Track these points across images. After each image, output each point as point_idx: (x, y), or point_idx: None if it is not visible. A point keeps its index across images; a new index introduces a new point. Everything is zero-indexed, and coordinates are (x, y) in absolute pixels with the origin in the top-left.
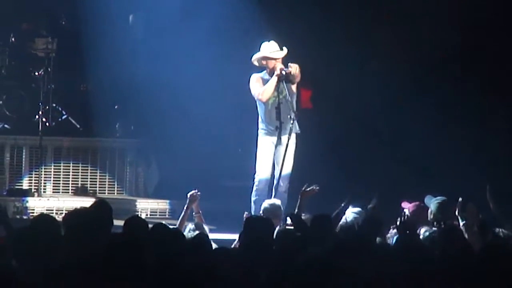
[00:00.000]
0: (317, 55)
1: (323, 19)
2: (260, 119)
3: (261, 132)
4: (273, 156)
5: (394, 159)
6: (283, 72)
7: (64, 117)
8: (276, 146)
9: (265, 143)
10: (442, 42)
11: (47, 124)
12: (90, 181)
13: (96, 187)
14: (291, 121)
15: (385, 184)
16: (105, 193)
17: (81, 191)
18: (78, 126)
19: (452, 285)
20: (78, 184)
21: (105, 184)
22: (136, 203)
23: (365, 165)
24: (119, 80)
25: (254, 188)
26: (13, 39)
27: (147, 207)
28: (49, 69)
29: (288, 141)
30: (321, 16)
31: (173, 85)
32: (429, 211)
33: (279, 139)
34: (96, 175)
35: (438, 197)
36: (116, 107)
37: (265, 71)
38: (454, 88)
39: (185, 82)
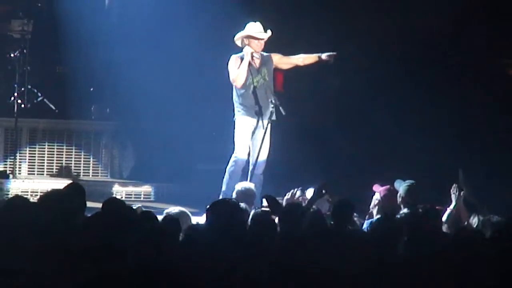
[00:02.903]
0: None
1: (299, 3)
2: (237, 100)
3: (239, 112)
4: (251, 139)
5: (367, 143)
6: (255, 55)
7: (39, 99)
8: (254, 130)
9: (245, 124)
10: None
11: (23, 106)
12: (65, 163)
13: (71, 169)
14: (272, 106)
15: (357, 168)
16: (80, 175)
17: (65, 173)
18: (54, 108)
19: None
20: (53, 166)
21: (80, 166)
22: (112, 186)
23: (338, 150)
24: (95, 63)
25: (230, 167)
26: None
27: (123, 189)
28: (24, 51)
29: (267, 125)
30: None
31: (149, 69)
32: (398, 194)
33: (258, 122)
34: (71, 157)
35: (407, 181)
36: (91, 89)
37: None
38: (432, 74)
39: (160, 65)
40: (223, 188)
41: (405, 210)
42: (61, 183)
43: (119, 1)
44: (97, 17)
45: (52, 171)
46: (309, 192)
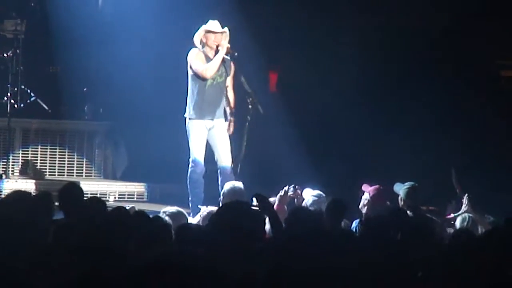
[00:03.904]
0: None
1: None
2: (190, 99)
3: (192, 115)
4: (206, 140)
5: (359, 143)
6: (234, 53)
7: (32, 99)
8: (209, 130)
9: (198, 127)
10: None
11: (16, 106)
12: (59, 163)
13: (64, 169)
14: (248, 103)
15: (348, 167)
16: (73, 175)
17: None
18: (47, 108)
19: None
20: (46, 166)
21: (73, 167)
22: (105, 186)
23: (330, 149)
24: (88, 63)
25: (191, 175)
26: None
27: (116, 189)
28: (17, 51)
29: (220, 124)
30: None
31: (142, 68)
32: (399, 198)
33: (212, 122)
34: (65, 158)
35: (407, 183)
36: (85, 89)
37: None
38: (426, 74)
39: (154, 65)
40: (190, 197)
41: (408, 213)
42: (55, 184)
43: (112, 1)
44: (90, 17)
45: (45, 172)
46: (306, 192)
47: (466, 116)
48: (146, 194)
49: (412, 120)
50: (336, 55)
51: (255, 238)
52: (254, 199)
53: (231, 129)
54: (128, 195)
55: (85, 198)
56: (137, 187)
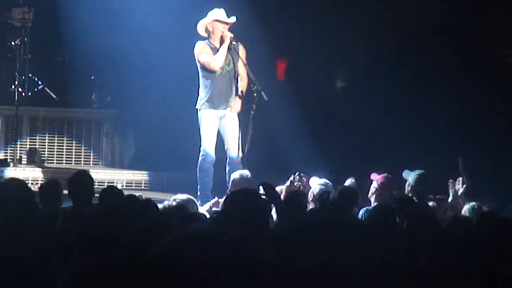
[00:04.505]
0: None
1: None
2: (202, 91)
3: (203, 105)
4: (218, 130)
5: (367, 132)
6: (234, 42)
7: (40, 87)
8: (221, 119)
9: (210, 117)
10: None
11: (23, 94)
12: (66, 151)
13: (71, 157)
14: (253, 91)
15: (357, 157)
16: (80, 163)
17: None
18: (55, 96)
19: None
20: (53, 154)
21: (81, 155)
22: (112, 174)
23: (338, 138)
24: (96, 51)
25: (200, 164)
26: None
27: (123, 178)
28: (25, 39)
29: (231, 114)
30: None
31: (150, 57)
32: (407, 183)
33: (224, 111)
34: (72, 146)
35: (417, 170)
36: (92, 77)
37: (208, 39)
38: (432, 63)
39: (162, 53)
40: (199, 185)
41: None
42: (65, 172)
43: None
44: (98, 4)
45: (53, 160)
46: (313, 181)
47: (476, 108)
48: (153, 182)
49: (422, 110)
50: (345, 44)
51: (262, 226)
52: (261, 187)
53: (238, 107)
54: (136, 183)
55: (102, 188)
56: (144, 176)
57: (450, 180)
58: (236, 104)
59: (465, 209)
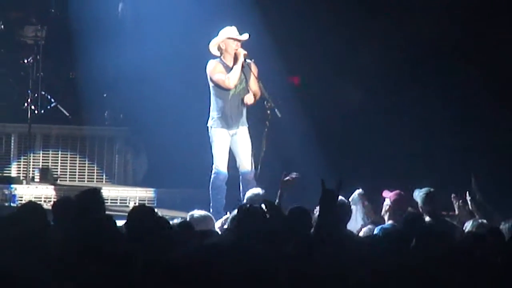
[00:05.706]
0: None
1: (313, 5)
2: (214, 109)
3: (214, 123)
4: (229, 147)
5: (381, 146)
6: (247, 60)
7: (53, 104)
8: (232, 137)
9: (221, 135)
10: (437, 33)
11: (36, 111)
12: (79, 169)
13: (84, 174)
14: (267, 108)
15: (368, 174)
16: (93, 180)
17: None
18: (67, 114)
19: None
20: (66, 172)
21: (93, 172)
22: (125, 192)
23: (349, 154)
24: (108, 68)
25: (213, 182)
26: (2, 26)
27: (136, 195)
28: (38, 57)
29: (243, 131)
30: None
31: (162, 73)
32: (418, 204)
33: (235, 130)
34: (85, 163)
35: (423, 189)
36: (105, 95)
37: (220, 57)
38: (445, 80)
39: (174, 70)
40: (211, 203)
41: (427, 219)
42: (75, 190)
43: (132, 6)
44: (110, 22)
45: (65, 178)
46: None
47: (486, 120)
48: (166, 199)
49: (436, 122)
50: (359, 60)
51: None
52: (264, 206)
53: (251, 99)
54: (148, 200)
55: (130, 206)
56: (157, 193)
57: (453, 195)
58: (249, 97)
59: (469, 225)
